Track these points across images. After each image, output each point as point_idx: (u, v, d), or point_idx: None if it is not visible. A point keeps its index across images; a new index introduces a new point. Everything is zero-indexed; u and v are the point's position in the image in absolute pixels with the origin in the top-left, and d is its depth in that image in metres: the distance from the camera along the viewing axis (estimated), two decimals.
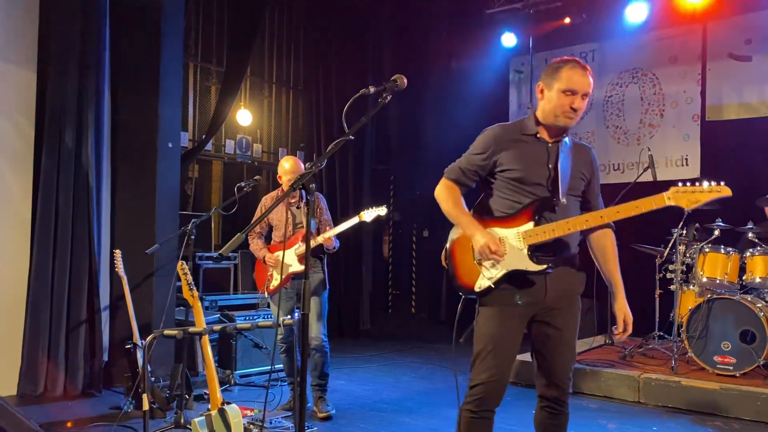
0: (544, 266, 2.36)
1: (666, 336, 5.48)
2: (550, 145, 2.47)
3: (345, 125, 2.25)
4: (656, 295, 5.52)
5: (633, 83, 7.11)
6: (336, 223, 4.24)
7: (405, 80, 2.33)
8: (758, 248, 4.92)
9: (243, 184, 3.83)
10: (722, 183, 2.28)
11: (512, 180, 2.46)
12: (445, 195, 2.56)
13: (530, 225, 2.40)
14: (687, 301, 5.17)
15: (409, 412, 4.46)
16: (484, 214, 2.52)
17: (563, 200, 2.40)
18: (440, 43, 8.50)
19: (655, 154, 6.77)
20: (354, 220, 4.09)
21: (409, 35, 8.44)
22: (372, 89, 2.28)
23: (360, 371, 5.81)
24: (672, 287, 5.22)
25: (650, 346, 5.47)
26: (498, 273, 2.40)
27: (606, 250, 2.56)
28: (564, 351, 2.49)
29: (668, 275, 5.31)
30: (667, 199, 2.30)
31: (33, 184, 4.75)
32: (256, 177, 4.02)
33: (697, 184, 2.29)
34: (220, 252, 2.05)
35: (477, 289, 2.45)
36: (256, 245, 4.37)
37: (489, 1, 7.69)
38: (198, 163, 7.24)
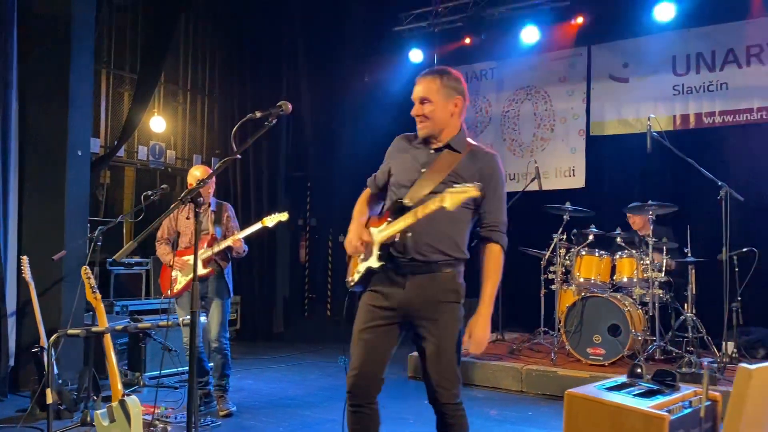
0: (382, 263, 2.45)
1: (550, 331, 6.03)
2: (432, 151, 2.55)
3: (234, 145, 2.52)
4: (541, 294, 6.06)
5: (527, 100, 7.72)
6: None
7: (290, 106, 2.60)
8: (625, 251, 5.54)
9: (150, 192, 4.02)
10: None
11: (391, 183, 2.62)
12: (359, 200, 2.75)
13: (384, 224, 2.52)
14: (566, 299, 5.73)
15: (312, 407, 4.78)
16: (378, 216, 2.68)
17: (406, 201, 2.44)
18: (354, 56, 8.88)
19: (546, 165, 7.43)
20: (257, 226, 4.37)
21: (324, 47, 8.76)
22: (258, 114, 2.55)
23: (269, 371, 6.07)
24: (553, 287, 5.79)
25: (536, 341, 6.02)
26: (360, 270, 2.59)
27: (485, 265, 2.53)
28: (434, 361, 2.45)
29: (550, 276, 5.86)
30: (440, 200, 2.29)
31: None
32: (163, 186, 4.21)
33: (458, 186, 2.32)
34: (114, 257, 2.30)
35: (349, 287, 2.64)
36: (162, 250, 4.57)
37: (397, 19, 8.15)
38: (110, 169, 7.28)
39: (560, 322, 5.53)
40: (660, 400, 1.73)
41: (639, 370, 1.88)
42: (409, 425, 4.27)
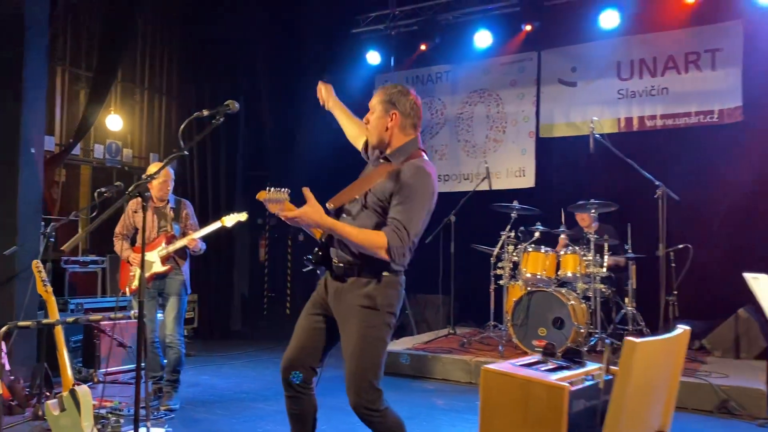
0: (312, 259, 2.58)
1: (499, 325, 6.25)
2: (379, 161, 2.65)
3: (181, 142, 2.63)
4: (491, 290, 6.28)
5: (480, 102, 7.95)
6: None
7: (237, 105, 2.71)
8: (569, 248, 5.78)
9: (104, 189, 4.08)
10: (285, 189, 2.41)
11: None
12: None
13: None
14: (514, 294, 5.95)
15: (265, 400, 4.88)
16: None
17: (329, 205, 2.46)
18: (313, 56, 8.99)
19: (498, 166, 7.67)
20: (216, 225, 4.47)
21: (283, 47, 8.85)
22: (206, 112, 2.67)
23: (225, 367, 6.15)
24: (502, 282, 6.01)
25: (485, 334, 6.23)
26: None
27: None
28: (348, 361, 2.50)
29: (499, 272, 6.08)
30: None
31: None
32: (117, 183, 4.27)
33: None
34: (62, 248, 2.37)
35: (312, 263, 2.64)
36: (120, 246, 4.63)
37: (355, 21, 8.30)
38: (65, 167, 7.24)
39: (508, 315, 5.75)
40: (565, 373, 1.91)
41: (552, 350, 2.07)
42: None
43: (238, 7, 8.19)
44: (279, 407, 4.62)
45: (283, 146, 9.26)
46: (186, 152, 2.60)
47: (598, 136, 5.59)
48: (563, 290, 5.69)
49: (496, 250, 6.06)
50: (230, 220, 4.44)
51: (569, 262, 5.74)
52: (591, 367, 2.03)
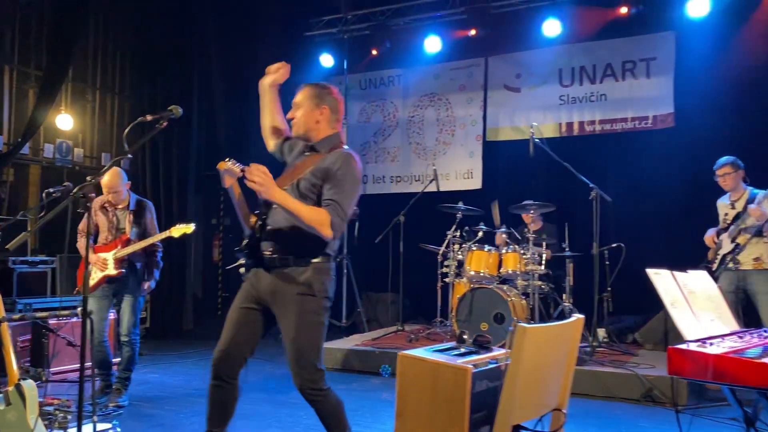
0: (243, 249, 2.73)
1: (445, 321, 6.48)
2: (304, 153, 2.84)
3: (125, 145, 2.75)
4: (438, 287, 6.51)
5: (431, 106, 8.19)
6: (161, 228, 4.73)
7: (180, 110, 2.85)
8: (510, 247, 6.05)
9: (51, 190, 4.12)
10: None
11: None
12: None
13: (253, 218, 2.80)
14: (459, 291, 6.18)
15: None
16: None
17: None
18: (266, 58, 9.04)
19: (447, 168, 7.92)
20: (163, 235, 4.59)
21: (238, 48, 8.91)
22: (149, 117, 2.80)
23: (176, 366, 6.22)
24: (447, 280, 6.24)
25: (432, 330, 6.46)
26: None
27: None
28: (290, 349, 2.67)
29: (445, 270, 6.32)
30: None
31: None
32: (66, 183, 4.31)
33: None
34: (7, 247, 2.46)
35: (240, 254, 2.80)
36: (82, 244, 4.68)
37: (309, 24, 8.44)
38: (13, 167, 7.19)
39: (453, 312, 5.98)
40: (472, 357, 2.12)
41: (464, 337, 2.28)
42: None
43: (193, 7, 8.24)
44: None
45: (237, 146, 9.31)
46: (130, 156, 2.72)
47: (537, 140, 5.87)
48: (505, 287, 5.94)
49: (442, 249, 6.29)
50: (178, 231, 4.57)
51: (510, 260, 6.00)
52: (497, 352, 2.24)
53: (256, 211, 2.80)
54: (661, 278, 2.85)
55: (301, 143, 2.92)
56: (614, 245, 5.90)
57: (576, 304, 6.02)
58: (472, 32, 7.56)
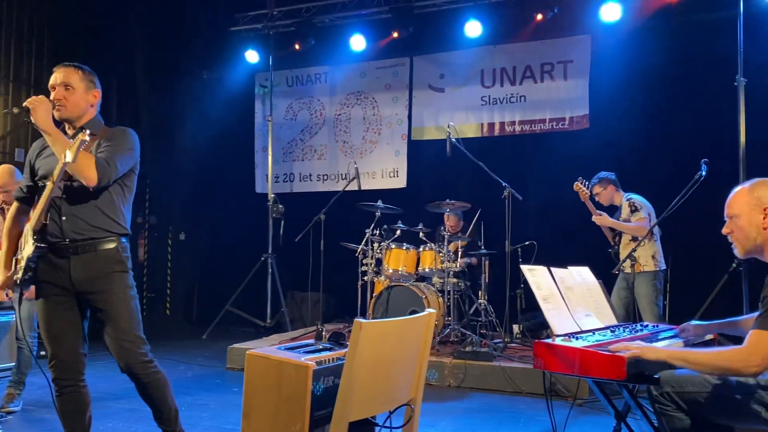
0: (36, 245, 2.64)
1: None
2: (70, 139, 2.71)
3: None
4: (359, 285, 6.52)
5: (357, 105, 8.19)
6: None
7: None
8: (428, 245, 6.10)
9: None
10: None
11: (38, 180, 2.86)
12: (8, 217, 2.97)
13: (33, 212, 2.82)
14: (379, 288, 6.20)
15: (117, 399, 4.85)
16: None
17: (39, 183, 2.77)
18: (192, 53, 8.93)
19: (373, 166, 7.93)
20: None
21: (161, 42, 8.73)
22: (16, 110, 2.70)
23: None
24: (367, 278, 6.25)
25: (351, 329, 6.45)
26: (23, 265, 2.69)
27: None
28: (113, 327, 2.72)
29: (364, 268, 6.32)
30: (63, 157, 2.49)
31: None
32: None
33: None
34: None
35: (17, 284, 2.71)
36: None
37: (234, 20, 8.33)
38: None
39: (370, 309, 5.99)
40: (320, 354, 2.12)
41: (323, 334, 2.28)
42: (209, 410, 4.51)
43: (117, 0, 8.02)
44: (129, 405, 4.65)
45: (163, 142, 9.12)
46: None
47: (454, 140, 5.94)
48: (421, 284, 5.99)
49: (361, 247, 6.30)
50: None
51: (427, 258, 6.07)
52: (347, 349, 2.24)
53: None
54: (534, 274, 2.92)
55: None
56: (527, 243, 6.03)
57: (491, 301, 6.13)
58: (395, 34, 7.57)
